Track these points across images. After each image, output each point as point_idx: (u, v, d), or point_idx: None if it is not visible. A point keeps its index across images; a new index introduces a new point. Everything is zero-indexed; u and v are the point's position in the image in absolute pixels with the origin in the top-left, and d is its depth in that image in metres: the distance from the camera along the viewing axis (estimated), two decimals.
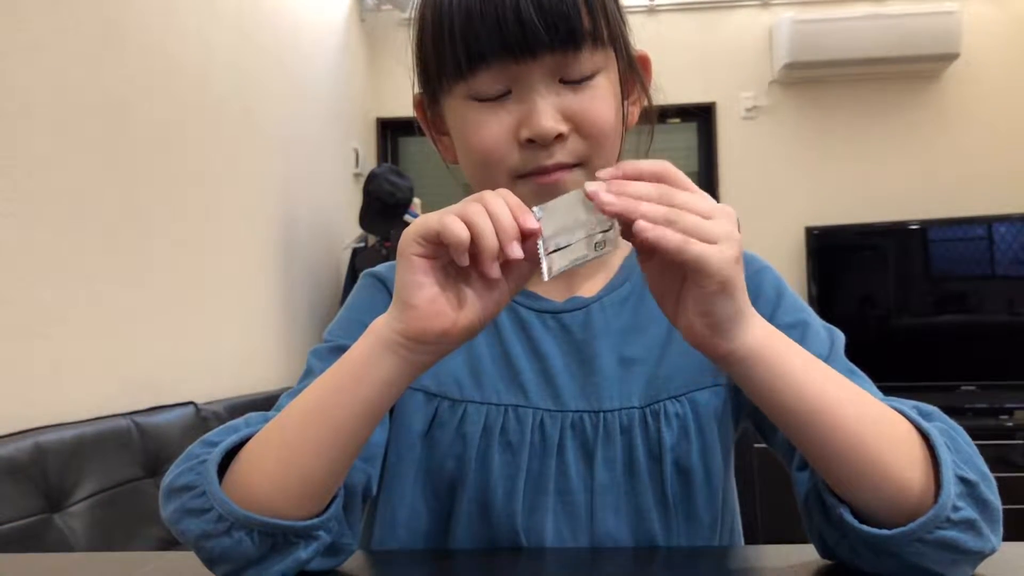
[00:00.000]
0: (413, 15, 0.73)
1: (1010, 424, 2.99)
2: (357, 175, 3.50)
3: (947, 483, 0.52)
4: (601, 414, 0.70)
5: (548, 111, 0.64)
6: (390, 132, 3.85)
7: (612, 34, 0.68)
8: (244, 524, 0.56)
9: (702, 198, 0.52)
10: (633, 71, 0.72)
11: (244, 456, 0.59)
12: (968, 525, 0.53)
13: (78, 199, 1.60)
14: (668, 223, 0.50)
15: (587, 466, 0.69)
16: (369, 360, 0.56)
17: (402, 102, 4.15)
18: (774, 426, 0.63)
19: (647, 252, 0.52)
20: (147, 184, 1.85)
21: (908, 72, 3.51)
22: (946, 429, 0.58)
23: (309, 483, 0.57)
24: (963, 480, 0.53)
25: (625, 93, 0.71)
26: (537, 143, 0.65)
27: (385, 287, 0.76)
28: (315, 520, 0.58)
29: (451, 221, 0.52)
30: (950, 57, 3.40)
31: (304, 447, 0.57)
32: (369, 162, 3.65)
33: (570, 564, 0.66)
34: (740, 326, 0.52)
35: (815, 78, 3.57)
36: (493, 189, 0.68)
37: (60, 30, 1.56)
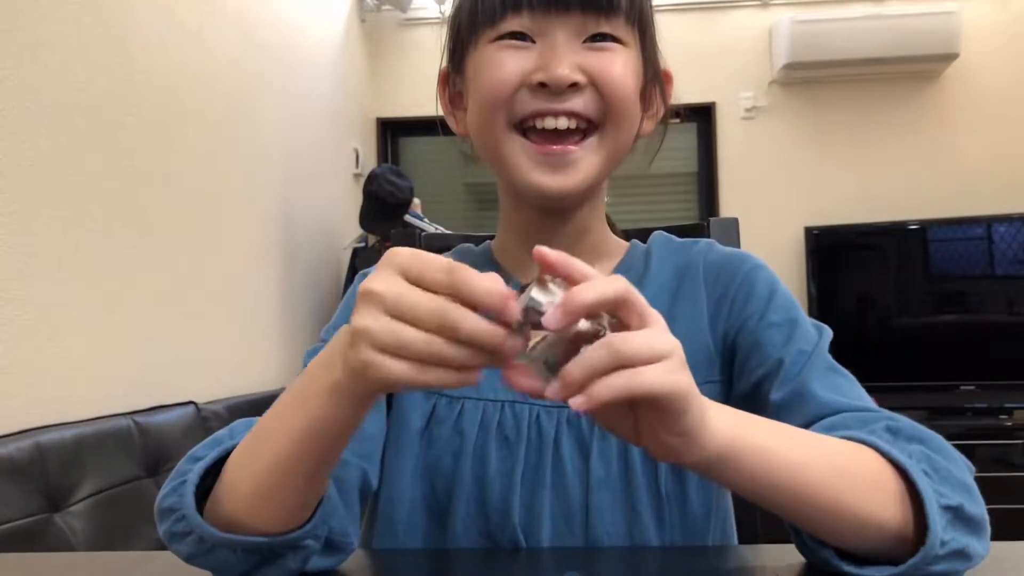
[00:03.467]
0: None
1: (1009, 424, 2.99)
2: (357, 175, 3.50)
3: (933, 521, 0.52)
4: None
5: (566, 60, 0.65)
6: (390, 132, 3.85)
7: (641, 22, 0.70)
8: (225, 545, 0.55)
9: (640, 302, 0.47)
10: (656, 77, 0.74)
11: (223, 475, 0.58)
12: (958, 554, 0.53)
13: (78, 199, 1.60)
14: (611, 370, 0.45)
15: (583, 460, 0.70)
16: (315, 395, 0.52)
17: (402, 102, 4.14)
18: (763, 409, 0.64)
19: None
20: (147, 184, 1.85)
21: (908, 72, 3.51)
22: (923, 452, 0.56)
23: (282, 502, 0.56)
24: (947, 508, 0.53)
25: (645, 100, 0.73)
26: (549, 89, 0.65)
27: None
28: (298, 532, 0.57)
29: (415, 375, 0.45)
30: (950, 57, 3.40)
31: (270, 470, 0.55)
32: (369, 162, 3.66)
33: (568, 563, 0.66)
34: (706, 428, 0.49)
35: (815, 78, 3.57)
36: (494, 145, 0.69)
37: (61, 30, 1.56)
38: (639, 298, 0.47)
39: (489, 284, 0.44)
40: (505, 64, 0.67)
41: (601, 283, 0.45)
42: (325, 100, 3.18)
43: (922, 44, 3.36)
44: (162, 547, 0.61)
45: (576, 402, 0.44)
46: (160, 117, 1.92)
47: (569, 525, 0.69)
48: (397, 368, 0.44)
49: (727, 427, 0.51)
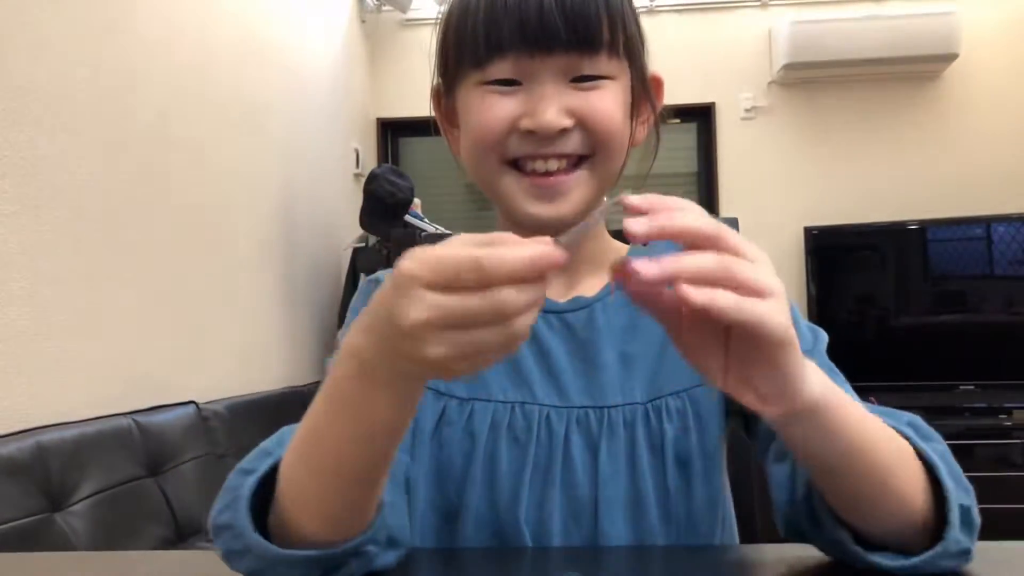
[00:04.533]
0: (442, 9, 0.77)
1: (1008, 423, 2.99)
2: (357, 175, 3.50)
3: (953, 519, 0.54)
4: (605, 409, 0.71)
5: (553, 106, 0.66)
6: (390, 132, 3.85)
7: (629, 49, 0.70)
8: (284, 561, 0.54)
9: (738, 239, 0.45)
10: (645, 90, 0.74)
11: (279, 488, 0.56)
12: (963, 554, 0.55)
13: (78, 199, 1.60)
14: (715, 281, 0.43)
15: (592, 458, 0.70)
16: (365, 399, 0.49)
17: (402, 102, 4.13)
18: (757, 417, 0.64)
19: (671, 316, 0.47)
20: (147, 184, 1.85)
21: (907, 72, 3.51)
22: (942, 450, 0.58)
23: (343, 509, 0.55)
24: (962, 508, 0.55)
25: (635, 112, 0.73)
26: (537, 135, 0.66)
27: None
28: (360, 538, 0.56)
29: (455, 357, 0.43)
30: (949, 57, 3.41)
31: (328, 480, 0.53)
32: (369, 162, 3.66)
33: (573, 562, 0.66)
34: (804, 380, 0.47)
35: (814, 79, 3.57)
36: (488, 179, 0.70)
37: (61, 30, 1.57)
38: (737, 237, 0.45)
39: (525, 254, 0.42)
40: (492, 109, 0.67)
41: (697, 216, 0.44)
42: (325, 100, 3.18)
43: (922, 44, 3.36)
44: (162, 547, 0.60)
45: (690, 293, 0.42)
46: (160, 118, 1.92)
47: (577, 522, 0.70)
48: (464, 346, 0.42)
49: (820, 383, 0.50)
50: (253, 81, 2.47)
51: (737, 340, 0.46)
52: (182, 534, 1.69)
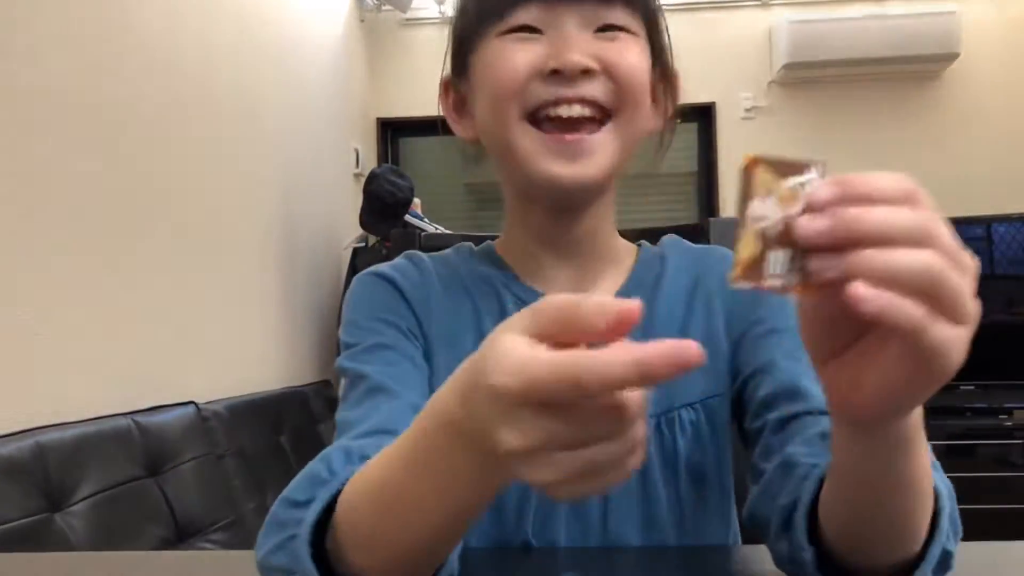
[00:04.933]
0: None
1: (1009, 423, 2.99)
2: (357, 175, 3.50)
3: (931, 557, 0.49)
4: None
5: (578, 47, 0.64)
6: (390, 132, 3.85)
7: (647, 11, 0.69)
8: None
9: (955, 240, 0.37)
10: (666, 79, 0.73)
11: (339, 528, 0.50)
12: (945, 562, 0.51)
13: (78, 199, 1.60)
14: (911, 287, 0.34)
15: None
16: (461, 481, 0.43)
17: (402, 102, 4.13)
18: (749, 412, 0.64)
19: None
20: (147, 184, 1.85)
21: (908, 72, 3.51)
22: (949, 488, 0.52)
23: (418, 557, 0.49)
24: (944, 552, 0.50)
25: (653, 97, 0.71)
26: (562, 75, 0.64)
27: (392, 285, 0.73)
28: None
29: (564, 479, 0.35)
30: (950, 57, 3.41)
31: (413, 543, 0.48)
32: (369, 162, 3.66)
33: (576, 562, 0.66)
34: (918, 407, 0.42)
35: (814, 78, 3.57)
36: (506, 138, 0.66)
37: (61, 31, 1.56)
38: (953, 235, 0.37)
39: (628, 358, 0.32)
40: (516, 55, 0.65)
41: (904, 211, 0.37)
42: (325, 100, 3.18)
43: (922, 44, 3.36)
44: (162, 547, 0.60)
45: (867, 298, 0.33)
46: (160, 118, 1.92)
47: (585, 536, 0.68)
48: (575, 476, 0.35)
49: (919, 409, 0.43)
50: (253, 81, 2.47)
51: (885, 344, 0.37)
52: (182, 534, 1.68)
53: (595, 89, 0.65)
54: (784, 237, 0.36)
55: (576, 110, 0.65)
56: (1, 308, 1.39)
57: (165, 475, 1.71)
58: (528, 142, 0.66)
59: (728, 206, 3.64)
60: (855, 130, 3.58)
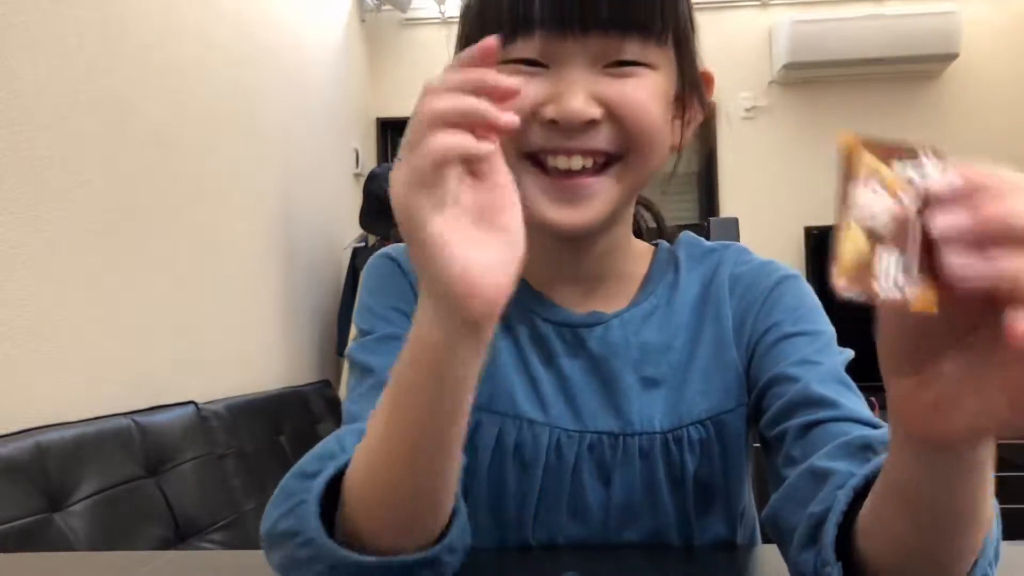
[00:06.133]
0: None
1: None
2: (357, 175, 3.50)
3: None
4: (621, 437, 0.66)
5: (581, 94, 0.58)
6: (390, 132, 3.85)
7: (677, 36, 0.63)
8: (359, 570, 0.50)
9: None
10: (696, 88, 0.67)
11: (346, 492, 0.52)
12: None
13: (78, 199, 1.60)
14: None
15: (604, 486, 0.67)
16: (435, 364, 0.47)
17: (402, 102, 4.13)
18: (770, 419, 0.63)
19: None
20: (147, 184, 1.85)
21: (908, 72, 3.51)
22: (997, 513, 0.51)
23: (414, 506, 0.51)
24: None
25: (682, 111, 0.66)
26: (561, 127, 0.59)
27: (402, 270, 0.71)
28: (435, 549, 0.51)
29: (434, 141, 0.45)
30: (950, 57, 3.41)
31: (396, 468, 0.49)
32: (369, 162, 3.66)
33: (576, 560, 0.66)
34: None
35: (814, 78, 3.57)
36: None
37: (60, 30, 1.56)
38: None
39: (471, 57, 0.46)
40: None
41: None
42: (325, 100, 3.18)
43: (922, 44, 3.36)
44: (162, 547, 0.60)
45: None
46: (160, 117, 1.91)
47: (586, 538, 0.67)
48: (450, 137, 0.44)
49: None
50: (252, 80, 2.47)
51: (1004, 369, 0.33)
52: (182, 534, 1.68)
53: (598, 140, 0.60)
54: (898, 234, 0.31)
55: (576, 162, 0.60)
56: (1, 308, 1.39)
57: (165, 475, 1.71)
58: (527, 184, 0.61)
59: (728, 206, 3.64)
60: (855, 129, 3.57)
